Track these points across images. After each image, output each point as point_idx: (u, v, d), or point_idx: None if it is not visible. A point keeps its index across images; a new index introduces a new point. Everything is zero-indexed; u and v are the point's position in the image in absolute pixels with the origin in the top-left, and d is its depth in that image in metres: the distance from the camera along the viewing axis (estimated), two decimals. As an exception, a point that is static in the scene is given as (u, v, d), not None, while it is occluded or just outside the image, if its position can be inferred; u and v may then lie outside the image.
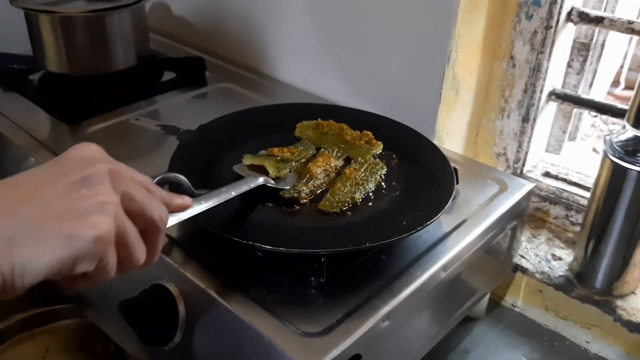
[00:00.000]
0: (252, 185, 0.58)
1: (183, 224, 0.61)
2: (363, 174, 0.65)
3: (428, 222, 0.56)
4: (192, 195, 0.57)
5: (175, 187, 0.56)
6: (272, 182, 0.61)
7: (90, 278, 0.37)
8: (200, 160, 0.66)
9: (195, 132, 0.72)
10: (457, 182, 0.66)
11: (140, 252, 0.40)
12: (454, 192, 0.61)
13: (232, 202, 0.58)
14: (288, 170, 0.64)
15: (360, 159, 0.67)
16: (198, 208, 0.49)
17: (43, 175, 0.37)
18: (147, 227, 0.41)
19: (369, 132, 0.72)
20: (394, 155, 0.70)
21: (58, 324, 0.77)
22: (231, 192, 0.54)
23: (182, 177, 0.56)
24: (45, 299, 0.77)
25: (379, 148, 0.70)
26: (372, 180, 0.64)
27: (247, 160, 0.64)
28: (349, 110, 0.79)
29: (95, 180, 0.37)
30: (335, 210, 0.59)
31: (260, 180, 0.60)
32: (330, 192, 0.61)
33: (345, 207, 0.60)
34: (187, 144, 0.69)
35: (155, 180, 0.54)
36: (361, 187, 0.63)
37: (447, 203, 0.59)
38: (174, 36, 1.15)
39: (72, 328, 0.77)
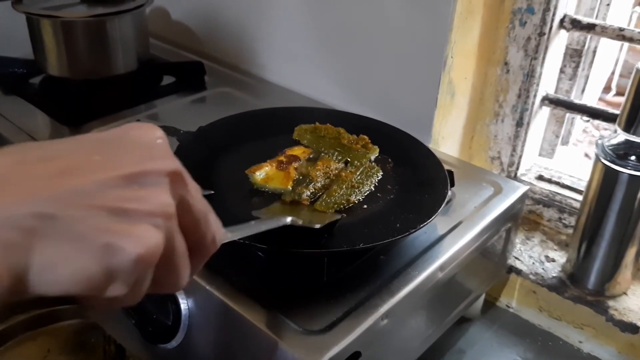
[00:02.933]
0: (279, 223, 0.54)
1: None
2: (359, 177, 0.66)
3: (421, 225, 0.57)
4: None
5: None
6: (300, 222, 0.56)
7: (115, 300, 0.29)
8: (199, 162, 0.67)
9: (194, 134, 0.73)
10: (453, 185, 0.67)
11: (184, 275, 0.32)
12: (447, 197, 0.62)
13: (230, 205, 0.59)
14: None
15: (356, 162, 0.69)
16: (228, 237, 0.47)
17: (89, 152, 0.29)
18: (196, 246, 0.33)
19: (365, 137, 0.73)
20: (390, 160, 0.71)
21: (59, 324, 0.77)
22: (261, 226, 0.50)
23: None
24: (47, 300, 0.78)
25: (375, 152, 0.71)
26: (367, 184, 0.65)
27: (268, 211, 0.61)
28: (346, 115, 0.80)
29: (153, 180, 0.29)
30: (330, 210, 0.60)
31: (288, 220, 0.55)
32: (326, 194, 0.63)
33: (340, 208, 0.61)
34: (186, 145, 0.70)
35: None
36: (356, 190, 0.64)
37: (440, 207, 0.60)
38: (173, 41, 1.16)
39: (73, 329, 0.78)
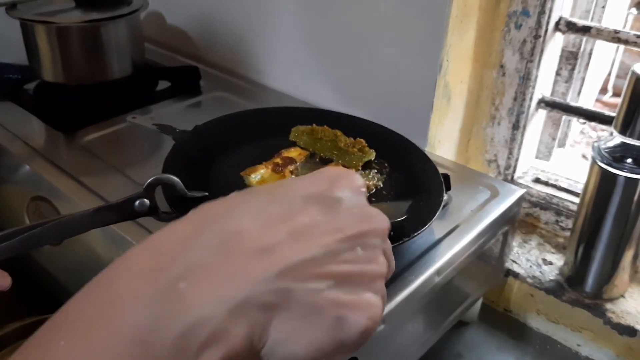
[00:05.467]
0: None
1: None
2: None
3: (415, 234, 0.57)
4: (185, 196, 0.58)
5: (169, 189, 0.57)
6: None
7: None
8: (195, 161, 0.67)
9: (191, 133, 0.72)
10: (449, 189, 0.67)
11: None
12: (442, 204, 0.62)
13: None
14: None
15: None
16: None
17: (312, 212, 0.28)
18: None
19: (362, 140, 0.72)
20: (386, 164, 0.71)
21: (55, 331, 0.76)
22: None
23: (175, 179, 0.56)
24: (43, 307, 0.77)
25: (371, 156, 0.71)
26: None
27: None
28: (344, 117, 0.80)
29: (371, 241, 0.29)
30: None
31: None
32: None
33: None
34: (182, 144, 0.70)
35: (148, 181, 0.55)
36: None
37: (434, 216, 0.59)
38: (169, 45, 1.16)
39: (69, 336, 0.77)
